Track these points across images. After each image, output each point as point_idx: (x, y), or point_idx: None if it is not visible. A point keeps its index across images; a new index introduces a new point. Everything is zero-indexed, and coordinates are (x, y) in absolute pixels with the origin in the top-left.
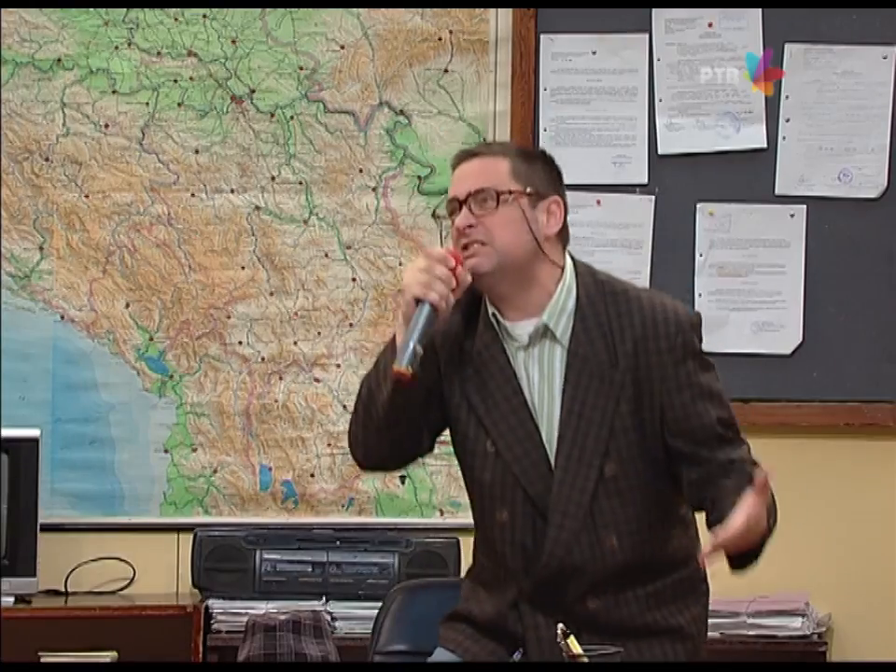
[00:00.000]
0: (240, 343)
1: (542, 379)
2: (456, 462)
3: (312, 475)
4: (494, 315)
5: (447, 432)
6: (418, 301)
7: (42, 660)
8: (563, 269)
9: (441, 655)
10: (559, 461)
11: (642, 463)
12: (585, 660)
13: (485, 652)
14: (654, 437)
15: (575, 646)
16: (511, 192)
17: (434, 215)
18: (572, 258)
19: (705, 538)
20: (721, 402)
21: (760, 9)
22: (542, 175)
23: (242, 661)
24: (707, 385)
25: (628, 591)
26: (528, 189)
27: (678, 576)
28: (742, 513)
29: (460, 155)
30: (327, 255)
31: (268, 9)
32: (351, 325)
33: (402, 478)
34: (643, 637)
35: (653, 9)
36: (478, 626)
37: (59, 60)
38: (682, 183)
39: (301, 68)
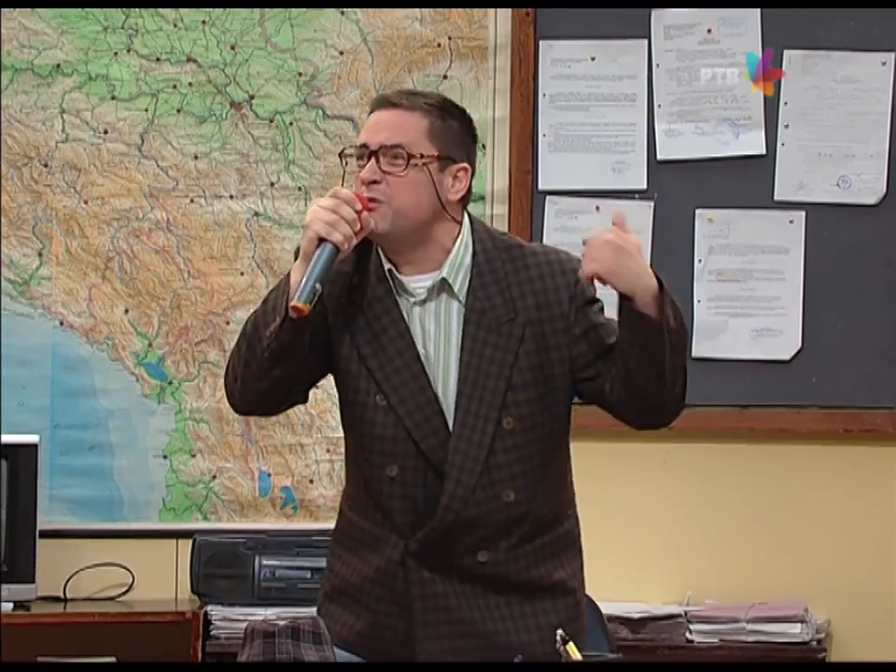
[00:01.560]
0: None
1: (439, 333)
2: None
3: (311, 481)
4: (390, 270)
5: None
6: (321, 240)
7: None
8: (460, 226)
9: (340, 654)
10: (458, 416)
11: (541, 416)
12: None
13: (369, 626)
14: (560, 389)
15: (574, 652)
16: (422, 156)
17: (341, 154)
18: (469, 215)
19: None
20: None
21: (759, 15)
22: (458, 138)
23: None
24: (608, 323)
25: (517, 546)
26: (440, 154)
27: (559, 530)
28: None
29: (380, 100)
30: None
31: (267, 16)
32: None
33: None
34: (526, 591)
35: (652, 16)
36: (355, 594)
37: (58, 66)
38: (681, 189)
39: (301, 74)
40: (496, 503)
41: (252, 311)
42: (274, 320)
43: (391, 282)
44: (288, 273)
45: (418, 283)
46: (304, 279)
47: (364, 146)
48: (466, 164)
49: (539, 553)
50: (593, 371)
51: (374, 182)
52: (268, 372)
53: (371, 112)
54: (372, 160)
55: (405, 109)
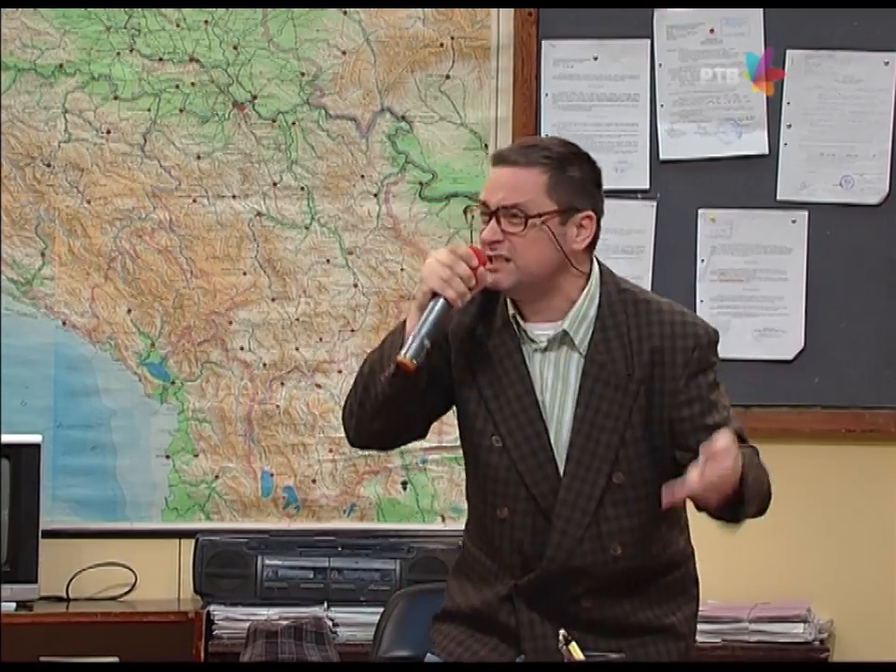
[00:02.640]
0: (241, 348)
1: (557, 382)
2: (458, 468)
3: (313, 481)
4: (514, 316)
5: (453, 428)
6: (434, 294)
7: None
8: (588, 276)
9: (430, 660)
10: (568, 467)
11: (650, 473)
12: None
13: (474, 655)
14: (663, 448)
15: (577, 652)
16: (541, 215)
17: (465, 210)
18: (599, 264)
19: (701, 538)
20: (731, 416)
21: (761, 15)
22: (579, 187)
23: None
24: (717, 400)
25: (623, 591)
26: (561, 207)
27: (672, 577)
28: (697, 469)
29: (498, 157)
30: (328, 261)
31: (270, 16)
32: (352, 331)
33: (404, 484)
34: (636, 635)
35: (655, 16)
36: (467, 622)
37: (61, 66)
38: (684, 189)
39: (303, 74)
40: (602, 556)
41: (372, 350)
42: (388, 366)
43: (515, 328)
44: (404, 321)
45: (541, 331)
46: (413, 335)
47: (485, 204)
48: (590, 212)
49: (647, 599)
50: (690, 460)
51: (497, 241)
52: (382, 414)
53: (493, 166)
54: (493, 220)
55: (522, 167)
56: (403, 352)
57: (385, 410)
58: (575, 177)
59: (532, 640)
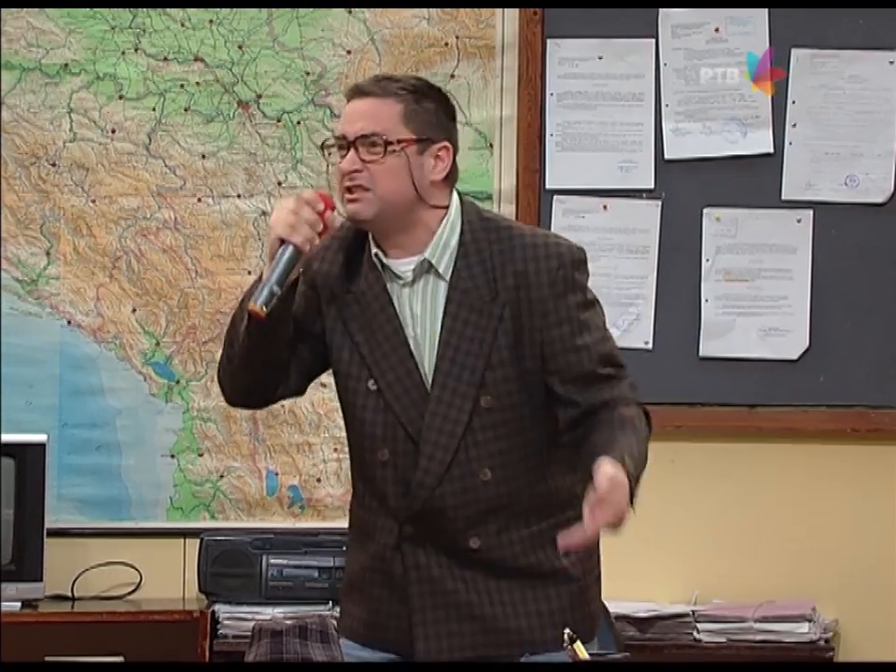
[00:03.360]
0: None
1: (425, 314)
2: None
3: (318, 480)
4: (377, 254)
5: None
6: (283, 241)
7: None
8: (447, 207)
9: (345, 646)
10: (434, 392)
11: (519, 397)
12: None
13: (363, 625)
14: (534, 372)
15: (581, 651)
16: (399, 142)
17: (322, 146)
18: (460, 196)
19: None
20: (603, 337)
21: (766, 15)
22: (434, 119)
23: None
24: (587, 319)
25: (512, 531)
26: (418, 136)
27: (562, 517)
28: (588, 513)
29: (354, 90)
30: None
31: (275, 15)
32: None
33: None
34: (525, 577)
35: (660, 15)
36: (361, 585)
37: (66, 65)
38: (689, 188)
39: (308, 73)
40: (472, 481)
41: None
42: (244, 319)
43: (379, 266)
44: (261, 274)
45: (405, 265)
46: (263, 283)
47: (342, 136)
48: (446, 143)
49: (535, 539)
50: (557, 383)
51: (356, 171)
52: (248, 367)
53: (348, 102)
54: (352, 150)
55: (378, 97)
56: (253, 300)
57: (251, 361)
58: (430, 109)
59: (419, 584)
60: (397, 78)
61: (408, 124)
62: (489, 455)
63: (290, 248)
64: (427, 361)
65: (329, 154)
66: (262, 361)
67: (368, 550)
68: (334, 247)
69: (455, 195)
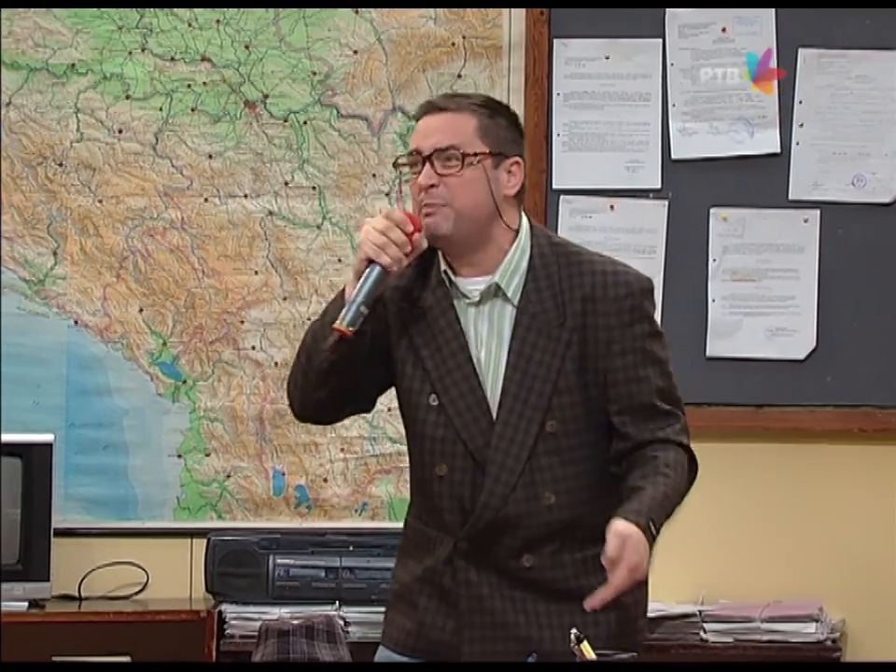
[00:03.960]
0: (253, 347)
1: (491, 336)
2: None
3: (325, 480)
4: (446, 272)
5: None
6: (370, 261)
7: None
8: (518, 229)
9: (382, 654)
10: (500, 415)
11: (584, 422)
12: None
13: (409, 635)
14: (598, 399)
15: (588, 651)
16: (476, 154)
17: (395, 164)
18: (529, 219)
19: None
20: (664, 371)
21: (773, 15)
22: (507, 134)
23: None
24: (651, 351)
25: (565, 553)
26: (492, 150)
27: None
28: (605, 589)
29: (426, 106)
30: (340, 260)
31: (281, 15)
32: None
33: None
34: (575, 601)
35: (667, 15)
36: (411, 597)
37: (73, 65)
38: (696, 188)
39: (315, 73)
40: (535, 504)
41: (313, 320)
42: (329, 335)
43: (448, 284)
44: (344, 289)
45: (473, 286)
46: (350, 302)
47: (417, 152)
48: (518, 158)
49: (588, 564)
50: (614, 413)
51: (433, 186)
52: (325, 383)
53: (419, 119)
54: (427, 164)
55: (453, 111)
56: (340, 319)
57: (329, 378)
58: (502, 124)
59: (468, 601)
60: (468, 95)
61: (483, 138)
62: (553, 479)
63: (377, 269)
64: (489, 382)
65: (402, 172)
66: (340, 378)
67: (420, 562)
68: (407, 265)
69: (524, 219)
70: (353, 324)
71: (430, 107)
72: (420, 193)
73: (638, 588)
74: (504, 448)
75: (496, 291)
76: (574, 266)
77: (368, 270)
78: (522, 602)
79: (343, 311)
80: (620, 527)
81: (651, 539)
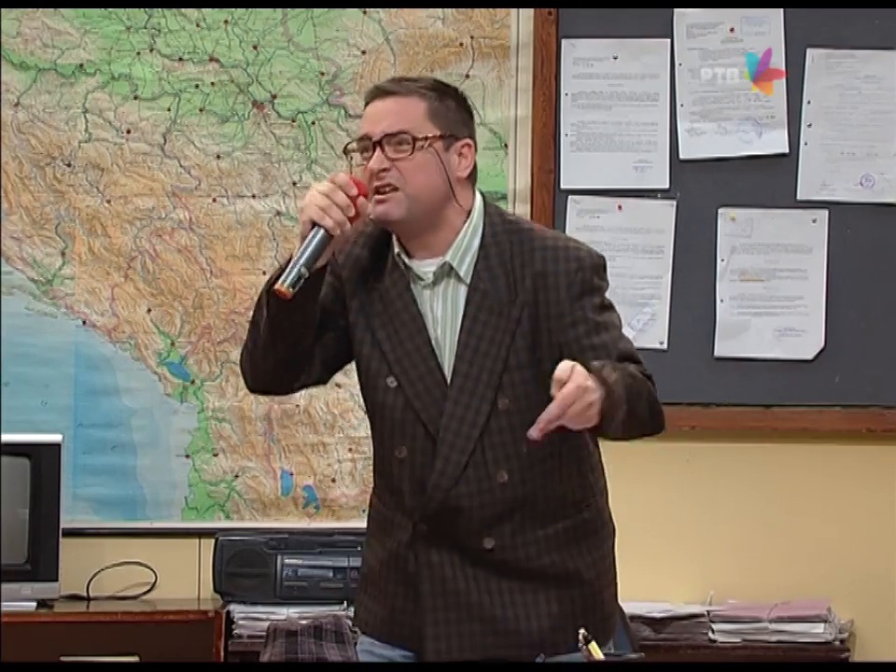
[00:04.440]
0: None
1: (446, 316)
2: None
3: (333, 480)
4: (399, 254)
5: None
6: (314, 224)
7: None
8: (471, 209)
9: (364, 643)
10: (451, 394)
11: (537, 399)
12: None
13: (377, 619)
14: (551, 374)
15: (596, 651)
16: (427, 138)
17: (345, 150)
18: (483, 197)
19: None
20: (621, 336)
21: (782, 15)
22: (456, 116)
23: None
24: (604, 321)
25: (527, 532)
26: (443, 133)
27: (577, 519)
28: (556, 401)
29: (375, 91)
30: None
31: (289, 15)
32: None
33: None
34: (539, 579)
35: (675, 15)
36: (378, 580)
37: (81, 65)
38: (704, 188)
39: (323, 73)
40: (488, 483)
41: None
42: (270, 301)
43: (402, 266)
44: (290, 257)
45: (427, 267)
46: (291, 264)
47: (367, 137)
48: (468, 140)
49: (550, 542)
50: None
51: (384, 170)
52: (271, 350)
53: (368, 103)
54: (378, 150)
55: (402, 95)
56: (280, 281)
57: (275, 344)
58: (451, 106)
59: (430, 583)
60: (415, 78)
61: (433, 121)
62: (506, 457)
63: (321, 231)
64: (447, 363)
65: (352, 158)
66: (286, 345)
67: (385, 545)
68: (360, 242)
69: (478, 197)
70: (293, 285)
71: (379, 92)
72: (372, 178)
73: (603, 563)
74: (455, 427)
75: (448, 271)
76: (526, 243)
77: (312, 233)
78: (486, 582)
79: (285, 273)
80: (567, 362)
81: (612, 385)
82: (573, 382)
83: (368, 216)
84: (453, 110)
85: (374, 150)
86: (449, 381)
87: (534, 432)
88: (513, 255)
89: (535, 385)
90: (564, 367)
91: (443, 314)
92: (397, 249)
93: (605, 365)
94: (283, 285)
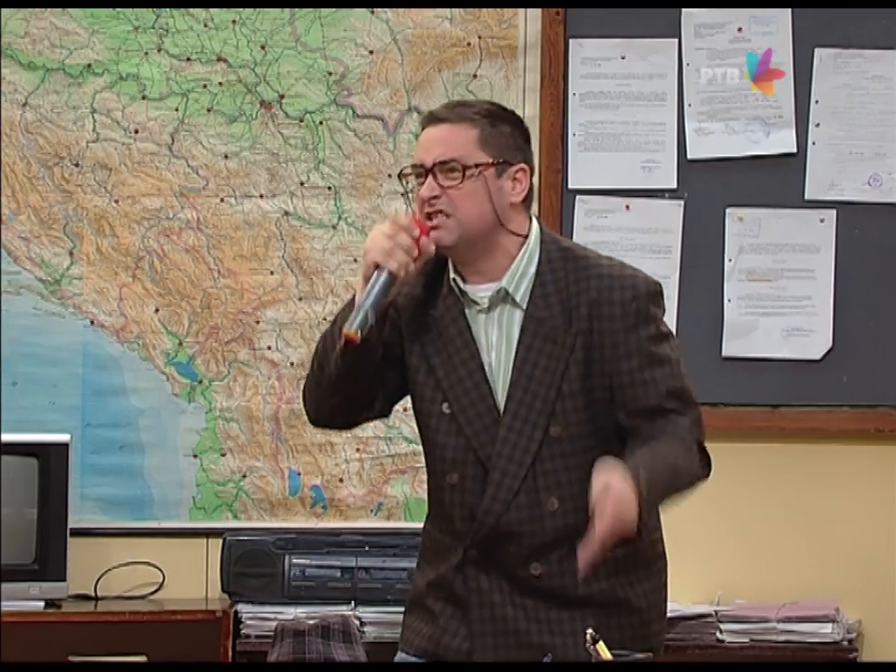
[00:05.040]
0: (269, 348)
1: (501, 341)
2: None
3: (340, 480)
4: (454, 279)
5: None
6: (377, 266)
7: None
8: (527, 234)
9: (399, 657)
10: (505, 420)
11: (588, 427)
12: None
13: (428, 640)
14: (603, 403)
15: (604, 651)
16: (477, 166)
17: (400, 175)
18: (540, 224)
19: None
20: (673, 372)
21: (790, 14)
22: (510, 141)
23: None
24: (658, 353)
25: (573, 559)
26: (495, 160)
27: (628, 548)
28: (594, 534)
29: (429, 117)
30: (356, 260)
31: (297, 15)
32: None
33: None
34: (587, 607)
35: (682, 14)
36: (426, 603)
37: (89, 65)
38: (711, 188)
39: (330, 73)
40: (539, 510)
41: (326, 328)
42: (339, 341)
43: (457, 292)
44: (354, 295)
45: (482, 292)
46: (357, 307)
47: (420, 164)
48: (523, 164)
49: (598, 569)
50: (623, 417)
51: (435, 197)
52: (338, 391)
53: (423, 129)
54: (430, 177)
55: (453, 122)
56: (348, 325)
57: (341, 385)
58: (505, 132)
59: (479, 608)
60: (471, 104)
61: (484, 148)
62: (557, 484)
63: (385, 273)
64: (500, 388)
65: (407, 183)
66: (353, 385)
67: (435, 569)
68: (415, 270)
69: (535, 224)
70: (361, 328)
71: (432, 118)
72: (424, 205)
73: (654, 595)
74: (507, 453)
75: (504, 296)
76: (581, 271)
77: (375, 275)
78: (534, 609)
79: (352, 316)
80: (603, 476)
81: (646, 492)
82: (609, 517)
83: (430, 254)
84: (506, 135)
85: (427, 177)
86: (503, 407)
87: (581, 570)
88: (569, 282)
89: (586, 413)
90: (600, 493)
91: (498, 339)
92: (452, 275)
93: (642, 469)
94: (351, 329)
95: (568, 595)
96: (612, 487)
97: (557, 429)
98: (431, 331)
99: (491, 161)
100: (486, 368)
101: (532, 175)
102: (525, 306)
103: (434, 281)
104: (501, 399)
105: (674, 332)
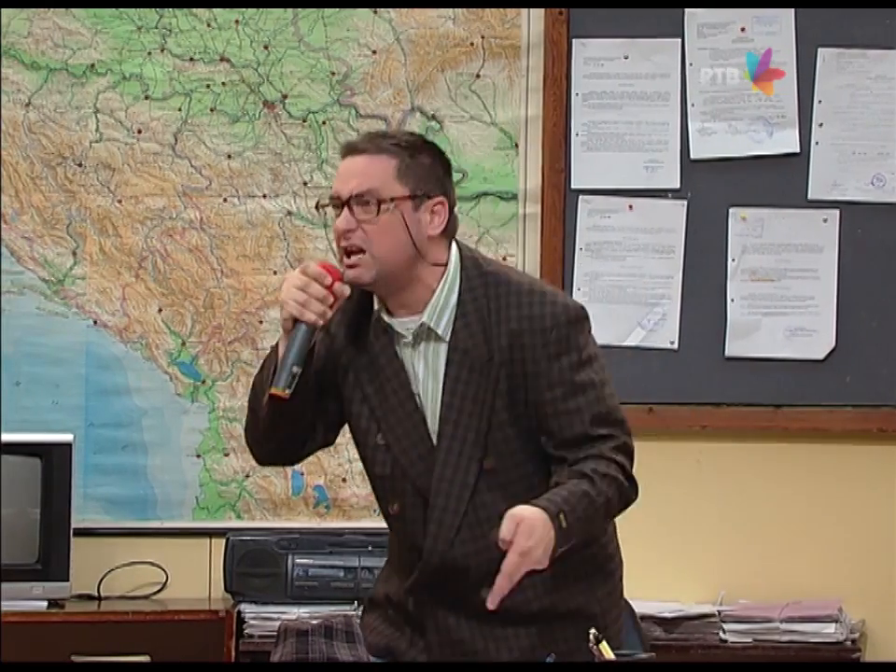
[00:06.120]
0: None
1: (427, 375)
2: None
3: (344, 480)
4: (380, 312)
5: None
6: (295, 320)
7: None
8: (446, 264)
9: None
10: (439, 455)
11: (522, 456)
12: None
13: (394, 646)
14: (532, 430)
15: (607, 651)
16: (392, 199)
17: (317, 206)
18: (460, 249)
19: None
20: (598, 396)
21: (793, 14)
22: (430, 173)
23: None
24: (580, 380)
25: (522, 578)
26: (412, 192)
27: (575, 558)
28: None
29: (347, 147)
30: None
31: (300, 15)
32: None
33: None
34: (541, 621)
35: (686, 14)
36: (384, 611)
37: (92, 65)
38: (715, 188)
39: (333, 73)
40: (483, 542)
41: (256, 373)
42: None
43: (385, 324)
44: (276, 345)
45: (405, 325)
46: (281, 364)
47: (336, 196)
48: (442, 198)
49: (547, 583)
50: (550, 447)
51: (350, 231)
52: (274, 434)
53: (342, 159)
54: (346, 209)
55: (371, 154)
56: (275, 384)
57: (276, 430)
58: (425, 164)
59: (437, 633)
60: (390, 134)
61: (402, 180)
62: (498, 515)
63: (303, 327)
64: (430, 419)
65: (325, 213)
66: (290, 427)
67: (393, 585)
68: (340, 306)
69: (454, 249)
70: (288, 386)
71: (350, 149)
72: (339, 238)
73: (608, 599)
74: (445, 490)
75: (427, 331)
76: (502, 298)
77: (294, 329)
78: (490, 629)
79: (277, 374)
80: (515, 510)
81: (559, 528)
82: (514, 552)
83: (345, 296)
84: (426, 167)
85: (343, 209)
86: (436, 442)
87: (491, 605)
88: (490, 311)
89: (518, 442)
90: (507, 527)
91: (425, 372)
92: (377, 306)
93: (557, 506)
94: (278, 388)
95: (521, 611)
96: (523, 520)
97: (491, 462)
98: (364, 361)
99: (408, 193)
100: (417, 398)
101: (453, 207)
102: (447, 339)
103: (366, 310)
104: (434, 428)
105: (599, 353)
